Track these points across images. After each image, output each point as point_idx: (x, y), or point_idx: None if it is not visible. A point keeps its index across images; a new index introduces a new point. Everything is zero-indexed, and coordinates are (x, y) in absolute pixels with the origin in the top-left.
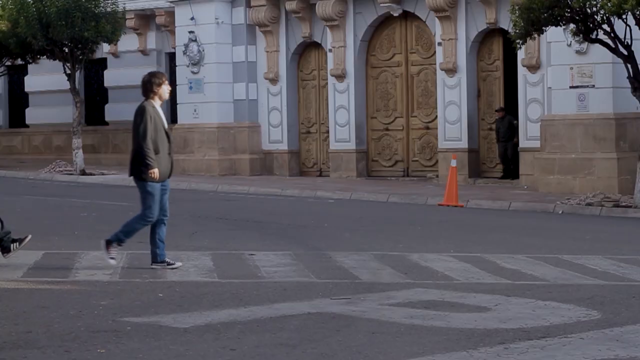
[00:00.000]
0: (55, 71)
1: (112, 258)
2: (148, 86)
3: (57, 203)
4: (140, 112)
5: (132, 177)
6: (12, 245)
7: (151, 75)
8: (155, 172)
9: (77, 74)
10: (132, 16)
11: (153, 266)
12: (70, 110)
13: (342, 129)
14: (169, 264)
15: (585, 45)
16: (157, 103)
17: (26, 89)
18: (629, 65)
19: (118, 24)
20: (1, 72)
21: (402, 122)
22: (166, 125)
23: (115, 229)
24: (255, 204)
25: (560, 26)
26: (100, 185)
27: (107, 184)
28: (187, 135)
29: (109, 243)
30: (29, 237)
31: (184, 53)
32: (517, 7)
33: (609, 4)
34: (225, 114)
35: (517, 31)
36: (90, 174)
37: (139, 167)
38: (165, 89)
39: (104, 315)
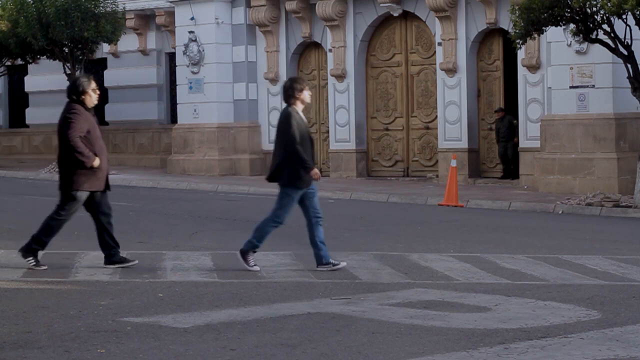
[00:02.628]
0: (55, 71)
1: (254, 266)
2: (290, 92)
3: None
4: (287, 118)
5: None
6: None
7: (293, 81)
8: (317, 171)
9: (77, 74)
10: (132, 16)
11: (319, 269)
12: None
13: (342, 129)
14: (334, 265)
15: (585, 45)
16: (299, 108)
17: (26, 89)
18: (629, 65)
19: (118, 24)
20: (1, 72)
21: (402, 122)
22: (308, 131)
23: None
24: (255, 204)
25: (560, 26)
26: None
27: None
28: (187, 135)
29: (244, 253)
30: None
31: (184, 53)
32: (517, 7)
33: (609, 4)
34: (225, 114)
35: (517, 31)
36: None
37: (286, 172)
38: (306, 94)
39: (104, 315)
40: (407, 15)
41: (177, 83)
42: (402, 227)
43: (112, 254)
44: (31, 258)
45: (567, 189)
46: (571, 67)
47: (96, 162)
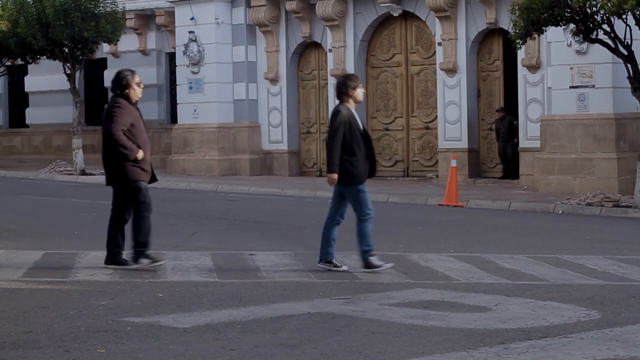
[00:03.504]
0: (55, 71)
1: (385, 264)
2: (343, 89)
3: (57, 203)
4: (335, 115)
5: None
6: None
7: (346, 78)
8: (334, 176)
9: (77, 74)
10: (132, 16)
11: (319, 265)
12: (70, 110)
13: None
14: (335, 267)
15: (585, 45)
16: (352, 106)
17: (26, 89)
18: (629, 65)
19: (118, 24)
20: (1, 72)
21: (402, 122)
22: (361, 128)
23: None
24: (255, 204)
25: (560, 26)
26: (100, 185)
27: None
28: (187, 135)
29: (367, 264)
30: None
31: (184, 53)
32: (517, 7)
33: (609, 4)
34: (225, 114)
35: (517, 31)
36: (90, 174)
37: (343, 172)
38: (359, 92)
39: (104, 315)
40: (407, 15)
41: (177, 83)
42: (402, 227)
43: (115, 254)
44: (145, 260)
45: (567, 189)
46: (571, 67)
47: (140, 154)
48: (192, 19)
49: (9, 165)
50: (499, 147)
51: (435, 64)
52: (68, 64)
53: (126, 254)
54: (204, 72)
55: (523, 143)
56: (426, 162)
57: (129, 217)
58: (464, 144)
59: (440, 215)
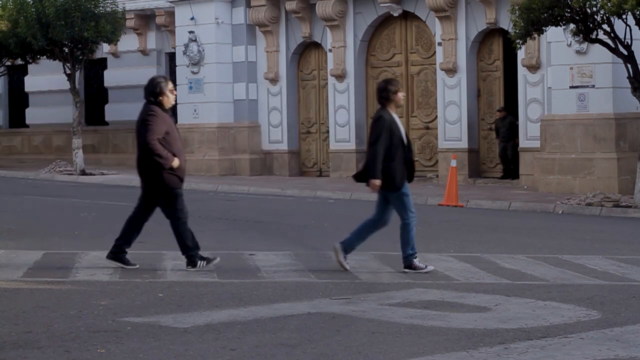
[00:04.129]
0: (55, 71)
1: (426, 267)
2: (384, 94)
3: (57, 203)
4: (377, 119)
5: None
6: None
7: (387, 83)
8: (377, 182)
9: (77, 74)
10: (132, 16)
11: (336, 245)
12: (70, 110)
13: (342, 129)
14: (344, 263)
15: (585, 45)
16: (393, 110)
17: (26, 89)
18: (629, 65)
19: (118, 24)
20: (1, 72)
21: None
22: (402, 132)
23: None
24: (255, 204)
25: (560, 26)
26: (100, 185)
27: (107, 184)
28: (187, 135)
29: (409, 265)
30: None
31: (184, 53)
32: (517, 7)
33: (609, 4)
34: (225, 114)
35: (517, 31)
36: (90, 174)
37: (387, 178)
38: (400, 96)
39: (104, 315)
40: (407, 15)
41: (177, 83)
42: None
43: (119, 250)
44: (199, 262)
45: (567, 189)
46: (571, 67)
47: (175, 162)
48: (192, 19)
49: (9, 165)
50: (499, 147)
51: (435, 64)
52: (68, 64)
53: (129, 254)
54: (204, 72)
55: (523, 143)
56: (426, 162)
57: (147, 220)
58: (464, 144)
59: (440, 215)
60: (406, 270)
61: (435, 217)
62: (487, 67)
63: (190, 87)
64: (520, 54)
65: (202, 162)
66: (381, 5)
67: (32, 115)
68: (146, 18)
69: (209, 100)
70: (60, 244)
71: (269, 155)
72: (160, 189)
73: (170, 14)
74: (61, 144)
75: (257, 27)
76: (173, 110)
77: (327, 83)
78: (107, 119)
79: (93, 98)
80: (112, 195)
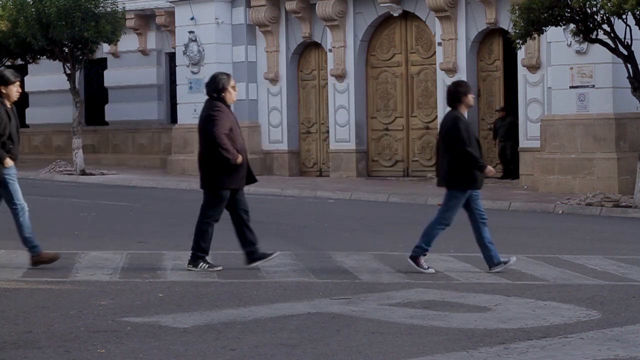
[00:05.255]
0: (55, 71)
1: (428, 268)
2: (455, 95)
3: (57, 203)
4: (454, 121)
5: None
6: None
7: (457, 85)
8: (491, 168)
9: (77, 74)
10: (132, 16)
11: (492, 271)
12: (70, 110)
13: (342, 129)
14: (505, 263)
15: (585, 45)
16: (464, 111)
17: (26, 89)
18: (629, 65)
19: (118, 24)
20: None
21: (402, 122)
22: (475, 135)
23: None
24: (255, 204)
25: (560, 26)
26: (100, 185)
27: (107, 184)
28: (187, 135)
29: (415, 259)
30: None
31: (184, 53)
32: (517, 7)
33: (609, 4)
34: None
35: (517, 31)
36: (90, 174)
37: (456, 176)
38: (470, 98)
39: (104, 315)
40: (407, 15)
41: (177, 83)
42: (402, 227)
43: (253, 251)
44: (202, 264)
45: (567, 189)
46: (571, 67)
47: (239, 159)
48: (192, 19)
49: None
50: (498, 147)
51: (435, 64)
52: (68, 64)
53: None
54: (204, 72)
55: (523, 143)
56: (426, 162)
57: (247, 212)
58: None
59: None
60: (409, 260)
61: None
62: (487, 67)
63: (190, 87)
64: (520, 54)
65: None
66: (381, 5)
67: (32, 115)
68: (146, 18)
69: None
70: (60, 244)
71: (269, 155)
72: (212, 185)
73: (170, 14)
74: (61, 144)
75: (257, 27)
76: (173, 110)
77: (327, 83)
78: (107, 119)
79: (93, 98)
80: (112, 195)
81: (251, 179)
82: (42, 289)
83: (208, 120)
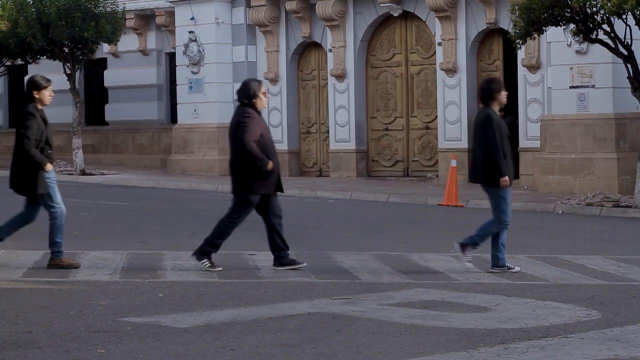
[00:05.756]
0: (55, 71)
1: (468, 261)
2: (487, 93)
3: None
4: (486, 119)
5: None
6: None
7: (489, 82)
8: (507, 179)
9: (77, 74)
10: (132, 16)
11: (492, 270)
12: (70, 110)
13: (342, 129)
14: (509, 268)
15: (585, 45)
16: (496, 109)
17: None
18: (629, 65)
19: (118, 24)
20: (1, 72)
21: (402, 122)
22: (507, 131)
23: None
24: None
25: (560, 26)
26: (100, 185)
27: (107, 184)
28: (187, 135)
29: (463, 246)
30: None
31: (184, 53)
32: (517, 7)
33: (609, 4)
34: (225, 114)
35: (517, 31)
36: (90, 174)
37: (490, 173)
38: (503, 95)
39: (104, 315)
40: (407, 15)
41: (177, 83)
42: (402, 227)
43: (282, 256)
44: (205, 260)
45: (567, 189)
46: (571, 67)
47: (270, 165)
48: (192, 19)
49: (9, 165)
50: None
51: (435, 64)
52: (68, 64)
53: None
54: (204, 72)
55: (523, 143)
56: (426, 162)
57: (279, 217)
58: (464, 144)
59: (440, 215)
60: (458, 247)
61: (435, 217)
62: (487, 67)
63: (190, 87)
64: (520, 54)
65: (202, 162)
66: (381, 5)
67: None
68: (146, 18)
69: (209, 100)
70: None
71: None
72: (242, 189)
73: (170, 14)
74: (61, 144)
75: (257, 27)
76: (173, 110)
77: (327, 83)
78: (107, 119)
79: (93, 98)
80: (112, 195)
81: (279, 188)
82: (42, 289)
83: (238, 127)
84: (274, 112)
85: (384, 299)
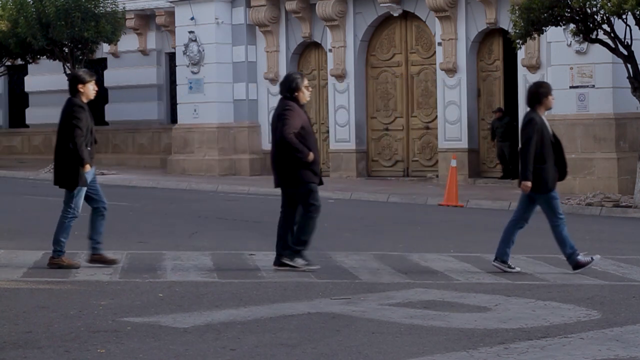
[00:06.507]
0: (55, 71)
1: (593, 258)
2: (535, 96)
3: (57, 203)
4: (529, 123)
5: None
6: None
7: (538, 86)
8: (529, 184)
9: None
10: (132, 16)
11: (494, 263)
12: None
13: (342, 129)
14: (509, 268)
15: (585, 45)
16: (542, 112)
17: (26, 89)
18: (629, 65)
19: (118, 24)
20: (1, 72)
21: (402, 122)
22: (551, 134)
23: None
24: (255, 204)
25: (560, 26)
26: (100, 185)
27: (107, 184)
28: (187, 135)
29: (577, 265)
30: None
31: (184, 53)
32: (517, 7)
33: (609, 4)
34: (225, 114)
35: (517, 31)
36: None
37: (539, 180)
38: (551, 99)
39: (104, 315)
40: (407, 15)
41: (177, 83)
42: (402, 227)
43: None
44: (301, 261)
45: (567, 189)
46: (571, 67)
47: (310, 156)
48: (192, 19)
49: (9, 165)
50: (496, 147)
51: (435, 64)
52: (68, 64)
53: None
54: (204, 72)
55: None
56: (426, 162)
57: (298, 219)
58: (464, 144)
59: (440, 215)
60: (576, 271)
61: (435, 217)
62: (487, 67)
63: (190, 87)
64: (520, 54)
65: (202, 162)
66: (381, 5)
67: (32, 115)
68: (146, 18)
69: (209, 100)
70: None
71: (268, 155)
72: (296, 183)
73: (170, 14)
74: None
75: (257, 27)
76: (173, 110)
77: (327, 83)
78: (107, 119)
79: (93, 98)
80: (112, 195)
81: (319, 182)
82: (42, 289)
83: (279, 119)
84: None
85: (384, 299)
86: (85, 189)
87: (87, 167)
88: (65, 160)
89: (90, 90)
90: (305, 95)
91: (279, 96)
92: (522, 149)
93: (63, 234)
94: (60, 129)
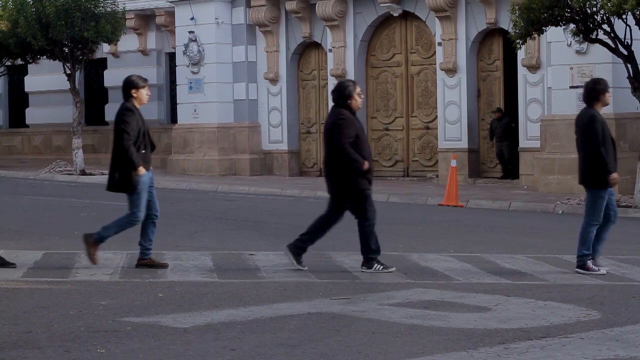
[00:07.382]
0: (55, 71)
1: (599, 269)
2: (592, 93)
3: (57, 203)
4: (591, 119)
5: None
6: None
7: (595, 83)
8: (615, 176)
9: (77, 74)
10: (132, 16)
11: (578, 270)
12: (70, 110)
13: None
14: (595, 271)
15: (585, 45)
16: (599, 109)
17: (26, 89)
18: (629, 65)
19: (118, 24)
20: (1, 72)
21: (402, 122)
22: (610, 133)
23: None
24: (255, 204)
25: (560, 26)
26: (100, 185)
27: None
28: (187, 135)
29: (582, 267)
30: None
31: (184, 53)
32: (517, 7)
33: (609, 4)
34: (225, 114)
35: (517, 31)
36: (90, 174)
37: (590, 174)
38: (608, 96)
39: (104, 315)
40: (407, 15)
41: (177, 83)
42: (402, 227)
43: (305, 250)
44: (376, 265)
45: (567, 189)
46: (571, 67)
47: (366, 165)
48: (192, 19)
49: (9, 165)
50: (496, 147)
51: (435, 64)
52: (68, 64)
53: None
54: (204, 72)
55: (523, 143)
56: (426, 162)
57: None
58: (464, 144)
59: (440, 215)
60: (578, 270)
61: (435, 217)
62: (487, 67)
63: (190, 87)
64: (520, 54)
65: (202, 162)
66: (381, 5)
67: (32, 115)
68: (146, 18)
69: (209, 100)
70: (60, 244)
71: (268, 155)
72: (350, 191)
73: (170, 14)
74: (61, 144)
75: (257, 27)
76: (173, 110)
77: (327, 83)
78: (107, 119)
79: (93, 98)
80: (112, 195)
81: None
82: (42, 289)
83: (333, 128)
84: (274, 112)
85: (384, 299)
86: (144, 190)
87: (141, 170)
88: (119, 164)
89: (143, 95)
90: (357, 102)
91: (278, 96)
92: (595, 148)
93: (147, 238)
94: (114, 134)
